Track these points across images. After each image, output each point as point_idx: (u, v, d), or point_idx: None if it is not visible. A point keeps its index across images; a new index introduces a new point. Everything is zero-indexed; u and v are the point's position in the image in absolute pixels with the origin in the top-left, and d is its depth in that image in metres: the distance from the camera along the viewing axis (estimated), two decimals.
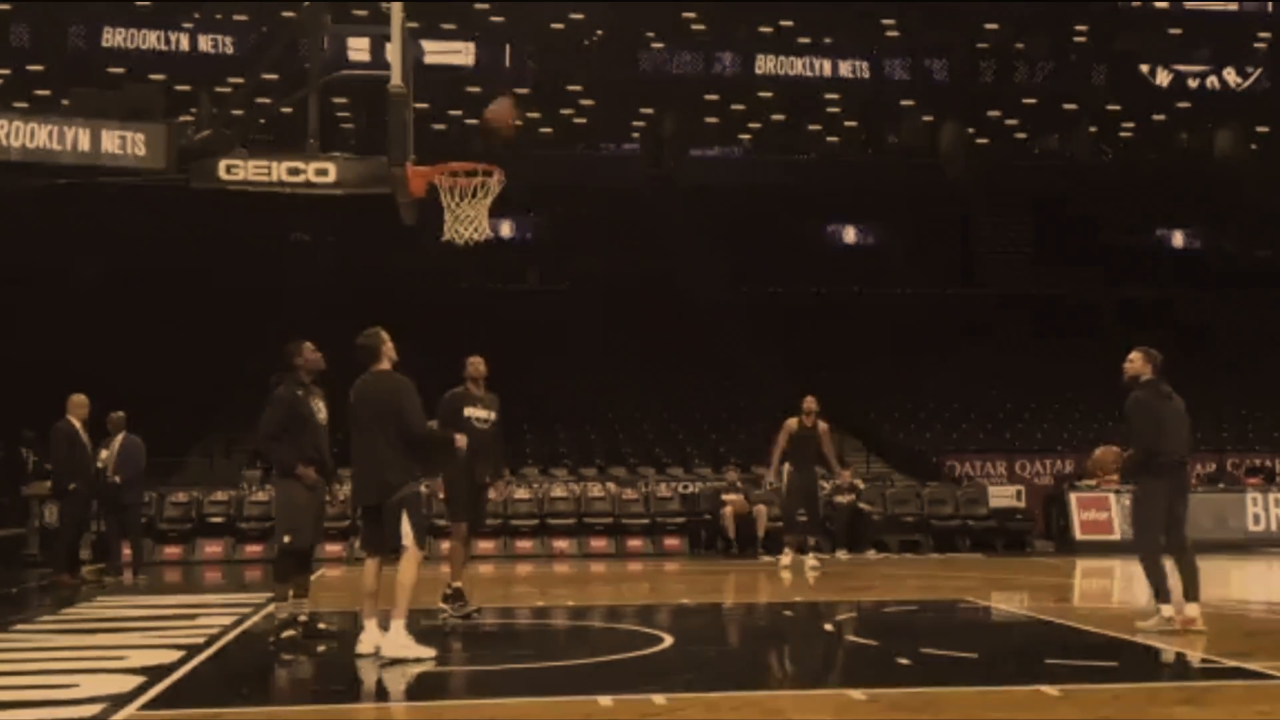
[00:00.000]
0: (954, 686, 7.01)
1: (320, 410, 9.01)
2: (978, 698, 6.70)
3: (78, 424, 13.92)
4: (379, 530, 8.22)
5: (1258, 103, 38.30)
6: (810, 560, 15.27)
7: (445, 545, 10.60)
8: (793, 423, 15.30)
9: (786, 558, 15.44)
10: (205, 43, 33.55)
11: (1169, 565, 9.17)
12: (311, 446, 8.90)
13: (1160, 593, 9.12)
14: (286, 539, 8.89)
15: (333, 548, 17.29)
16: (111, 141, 10.52)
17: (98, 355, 23.74)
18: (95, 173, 10.89)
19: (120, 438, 14.79)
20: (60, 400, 14.09)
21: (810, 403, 15.32)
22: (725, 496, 18.94)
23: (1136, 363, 9.47)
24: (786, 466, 15.27)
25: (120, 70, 31.35)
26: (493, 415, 10.02)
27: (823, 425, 15.37)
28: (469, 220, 10.21)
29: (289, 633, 8.69)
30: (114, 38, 33.23)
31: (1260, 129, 41.15)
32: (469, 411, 9.91)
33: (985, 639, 9.75)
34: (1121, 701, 6.55)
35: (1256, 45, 38.04)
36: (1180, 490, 9.32)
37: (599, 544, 18.93)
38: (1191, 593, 9.09)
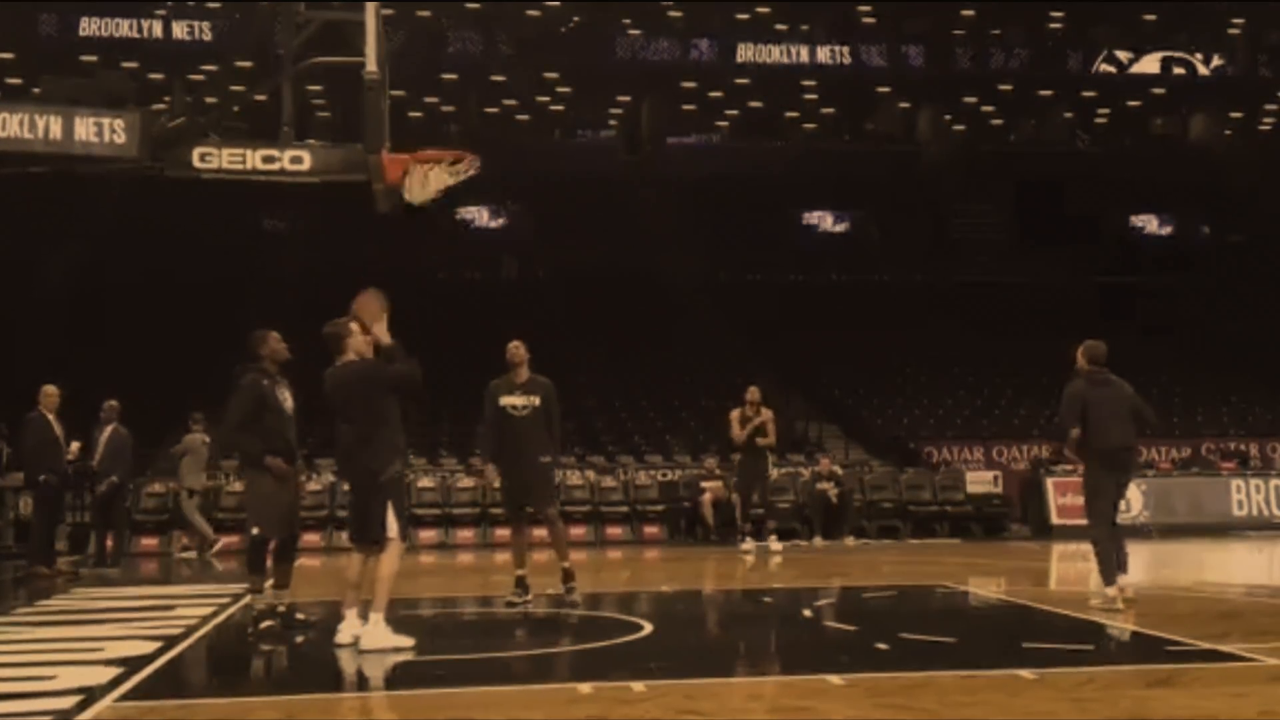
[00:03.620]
0: (932, 671, 7.04)
1: (287, 400, 8.96)
2: (955, 682, 6.73)
3: (49, 415, 13.83)
4: (365, 519, 8.16)
5: (1231, 88, 38.50)
6: (774, 544, 15.86)
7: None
8: (736, 413, 16.04)
9: (749, 544, 16.07)
10: (179, 30, 33.31)
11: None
12: (279, 436, 8.85)
13: (1107, 575, 9.56)
14: (255, 530, 8.87)
15: (311, 538, 17.23)
16: (84, 130, 10.43)
17: (71, 346, 23.60)
18: (68, 162, 10.79)
19: (110, 428, 14.72)
20: (33, 391, 13.99)
21: (753, 394, 16.12)
22: (704, 484, 18.97)
23: (1079, 358, 10.04)
24: (736, 455, 15.99)
25: (92, 58, 31.09)
26: (533, 401, 9.90)
27: (766, 412, 16.08)
28: (431, 181, 10.15)
29: (268, 623, 8.66)
30: (87, 26, 32.96)
31: (1234, 114, 41.40)
32: (504, 400, 9.92)
33: (963, 624, 9.80)
34: (1097, 684, 6.60)
35: (1230, 31, 38.22)
36: (1122, 475, 9.91)
37: (578, 532, 18.88)
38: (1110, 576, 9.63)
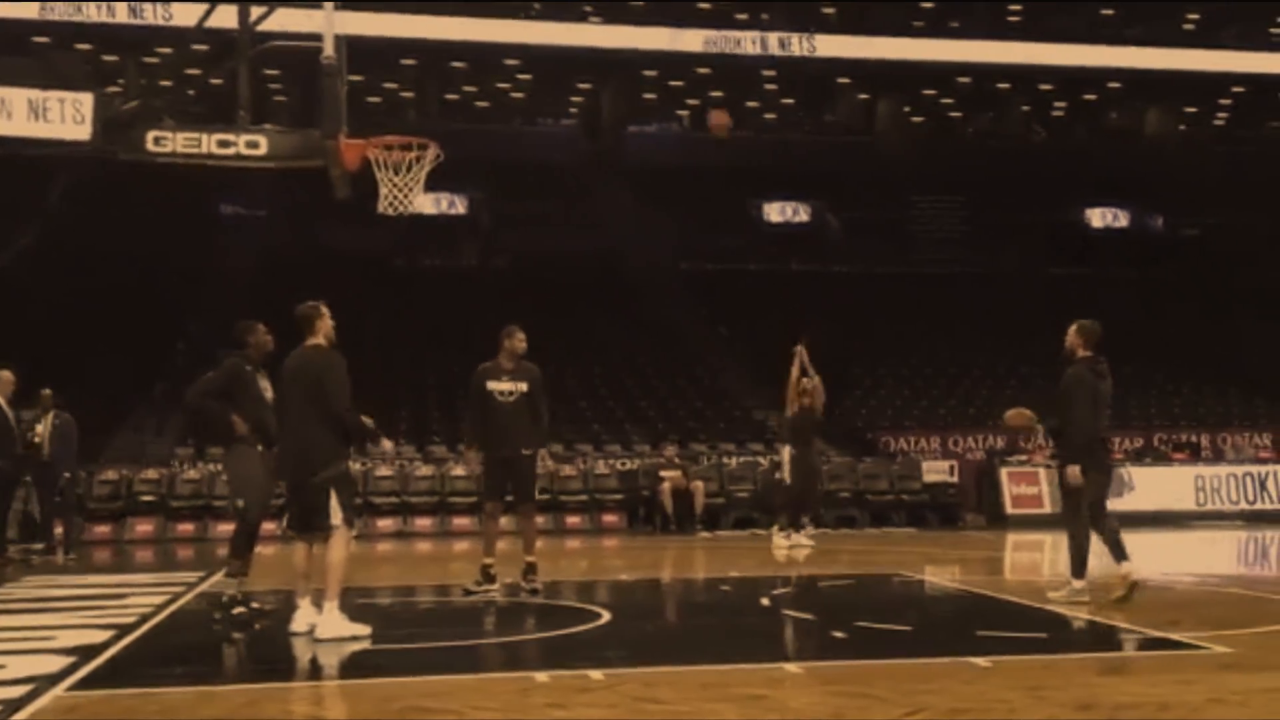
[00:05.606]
0: (887, 659, 7.09)
1: (267, 390, 8.92)
2: (910, 670, 6.79)
3: (2, 401, 13.64)
4: (306, 509, 8.11)
5: (1186, 82, 38.85)
6: (803, 538, 15.07)
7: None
8: (796, 371, 15.35)
9: (804, 535, 15.21)
10: (135, 13, 32.79)
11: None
12: (260, 423, 8.78)
13: (1079, 568, 9.36)
14: (251, 513, 8.78)
15: (267, 525, 17.07)
16: (37, 113, 10.28)
17: (25, 331, 23.26)
18: (21, 144, 10.64)
19: (51, 415, 14.54)
20: None
21: (803, 353, 15.42)
22: (663, 473, 19.00)
23: (1072, 337, 9.63)
24: (789, 451, 15.25)
25: (45, 39, 30.62)
26: (520, 387, 9.87)
27: (819, 395, 15.40)
28: (403, 191, 10.11)
29: (240, 610, 8.66)
30: (41, 9, 32.38)
31: (1189, 109, 41.83)
32: (491, 385, 9.87)
33: (918, 612, 9.89)
34: (1049, 672, 6.67)
35: (1185, 27, 38.57)
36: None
37: (537, 520, 18.84)
38: (1122, 554, 9.30)
